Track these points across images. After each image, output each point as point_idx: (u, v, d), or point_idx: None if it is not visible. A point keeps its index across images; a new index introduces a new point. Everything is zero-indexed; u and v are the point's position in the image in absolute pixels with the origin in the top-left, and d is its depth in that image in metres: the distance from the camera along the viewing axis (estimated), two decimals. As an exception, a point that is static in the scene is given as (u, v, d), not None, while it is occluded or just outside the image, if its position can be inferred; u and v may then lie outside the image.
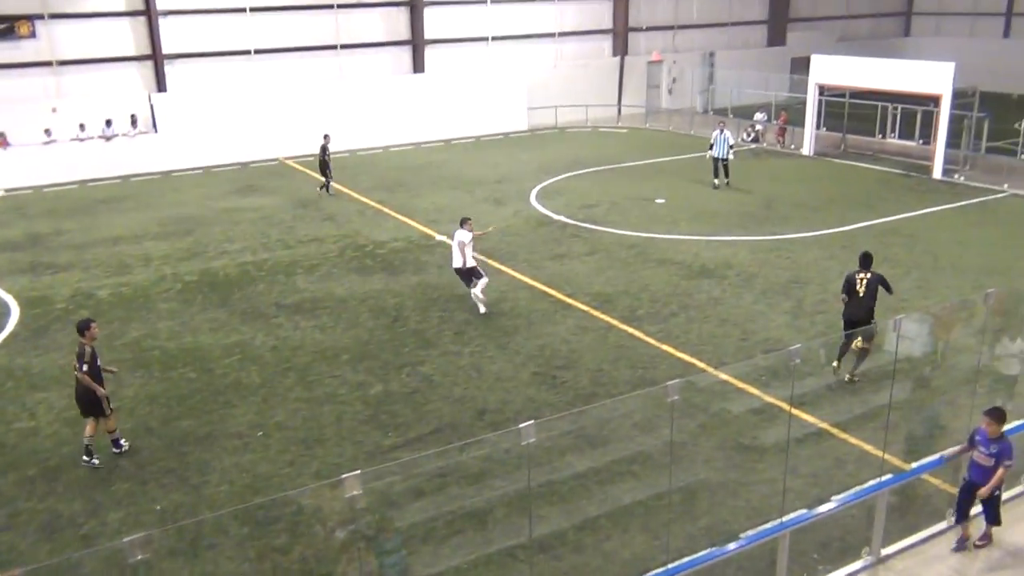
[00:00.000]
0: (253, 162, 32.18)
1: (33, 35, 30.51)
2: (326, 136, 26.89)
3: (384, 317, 16.15)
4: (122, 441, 11.68)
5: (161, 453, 11.50)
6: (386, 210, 24.39)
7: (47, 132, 30.08)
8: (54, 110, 30.56)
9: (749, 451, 11.15)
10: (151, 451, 11.55)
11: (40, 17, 30.44)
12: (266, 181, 28.90)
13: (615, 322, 15.56)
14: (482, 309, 16.15)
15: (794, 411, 11.38)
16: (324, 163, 26.49)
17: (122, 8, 31.73)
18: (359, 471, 7.06)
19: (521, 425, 7.73)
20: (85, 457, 11.24)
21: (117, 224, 23.70)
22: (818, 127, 31.52)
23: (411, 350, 14.61)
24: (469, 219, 16.58)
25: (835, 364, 13.17)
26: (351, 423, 12.18)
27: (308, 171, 30.26)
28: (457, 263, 16.17)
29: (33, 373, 14.16)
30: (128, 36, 32.07)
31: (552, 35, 40.83)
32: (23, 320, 16.59)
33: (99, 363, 11.46)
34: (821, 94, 31.00)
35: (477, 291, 16.13)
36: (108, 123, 30.85)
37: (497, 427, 11.82)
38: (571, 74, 40.83)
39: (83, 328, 11.39)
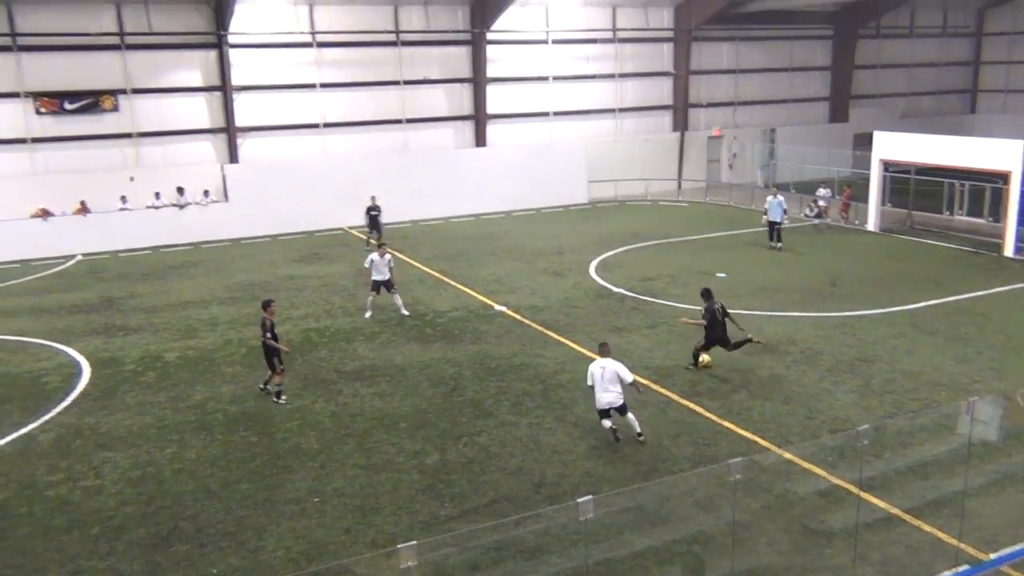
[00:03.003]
0: (318, 231, 33.03)
1: (116, 109, 32.12)
2: (372, 197, 30.03)
3: (442, 386, 16.19)
4: (283, 398, 15.56)
5: (220, 516, 11.57)
6: (446, 280, 24.68)
7: (124, 199, 31.40)
8: (132, 179, 31.95)
9: (815, 535, 10.76)
10: (211, 513, 11.64)
11: (123, 92, 32.07)
12: (330, 250, 29.57)
13: (675, 397, 15.34)
14: (405, 311, 21.02)
15: (863, 494, 10.99)
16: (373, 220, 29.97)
17: (199, 84, 33.27)
18: (415, 541, 7.01)
19: (580, 500, 7.62)
20: (275, 398, 15.57)
21: (187, 289, 24.41)
22: (883, 203, 31.12)
23: (468, 420, 14.58)
24: (385, 244, 22.26)
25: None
26: (408, 492, 12.13)
27: (372, 241, 30.89)
28: (382, 277, 20.91)
29: (100, 432, 14.48)
30: (204, 110, 33.53)
31: (612, 111, 41.45)
32: (94, 380, 17.07)
33: (275, 332, 15.49)
34: (886, 170, 30.71)
35: (397, 298, 21.15)
36: (181, 191, 32.08)
37: (554, 501, 11.64)
38: (631, 148, 41.25)
39: (266, 305, 15.55)
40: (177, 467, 13.09)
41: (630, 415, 13.47)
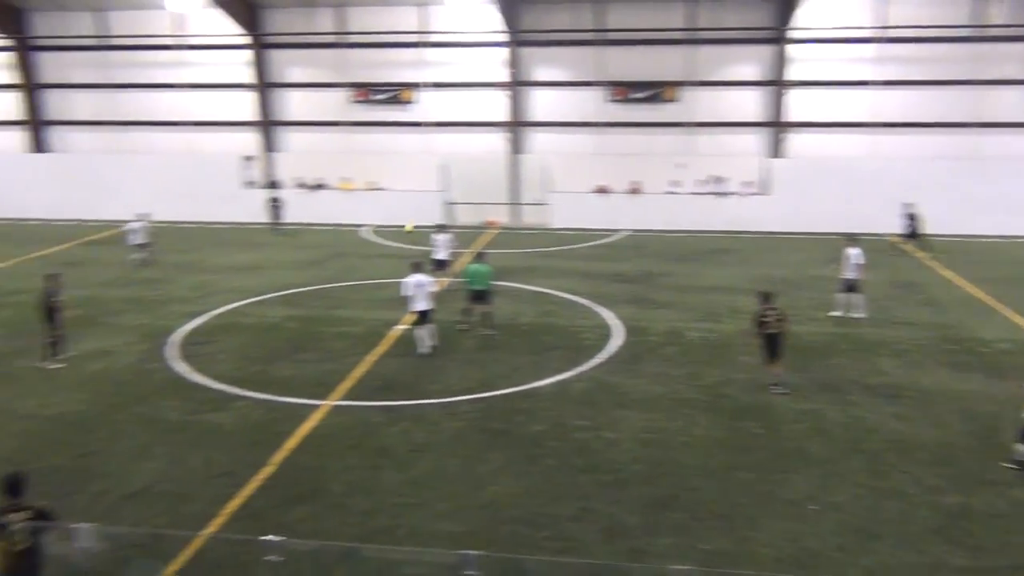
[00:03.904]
0: (859, 235, 31.46)
1: (676, 99, 34.34)
2: (909, 204, 28.76)
3: (975, 423, 14.35)
4: (780, 388, 15.57)
5: (716, 496, 11.85)
6: (998, 306, 21.73)
7: (674, 184, 33.67)
8: (681, 165, 34.04)
9: None
10: (708, 491, 11.98)
11: (685, 84, 34.15)
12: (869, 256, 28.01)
13: None
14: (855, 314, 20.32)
15: None
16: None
17: (755, 78, 33.88)
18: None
19: None
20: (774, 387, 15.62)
21: (715, 275, 25.30)
22: None
23: (1002, 468, 12.72)
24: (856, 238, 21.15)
25: None
26: (916, 527, 11.05)
27: (917, 252, 28.56)
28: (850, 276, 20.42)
29: (622, 392, 15.82)
30: (755, 104, 34.10)
31: None
32: (624, 344, 18.70)
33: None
34: None
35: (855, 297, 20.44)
36: (722, 181, 33.30)
37: (1106, 589, 9.62)
38: None
39: (766, 297, 15.83)
40: (684, 440, 13.71)
41: None
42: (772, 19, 33.03)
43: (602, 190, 34.26)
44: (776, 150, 34.05)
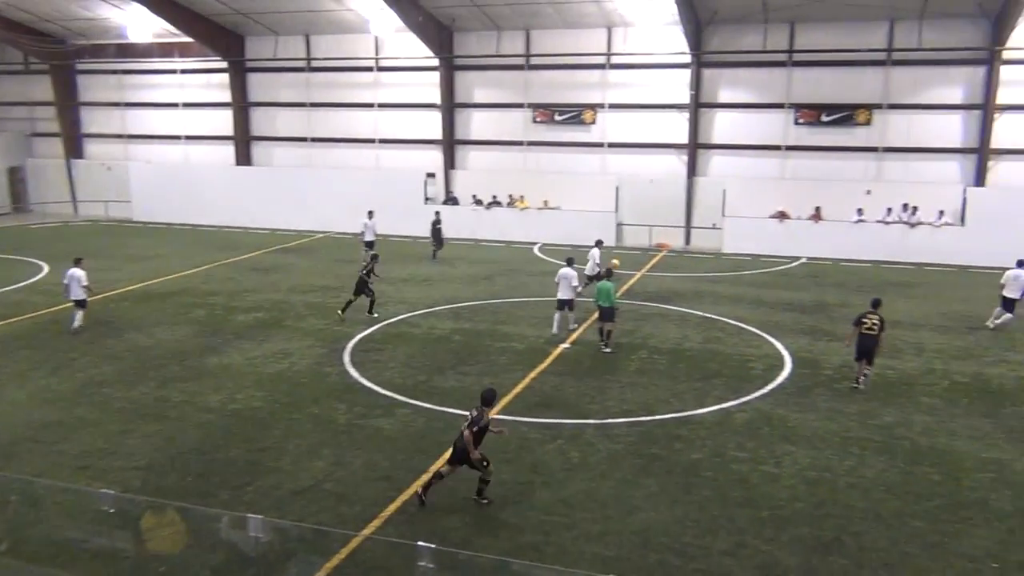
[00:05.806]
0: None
1: (868, 123, 32.64)
2: None
3: None
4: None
5: (884, 544, 11.04)
6: None
7: (860, 212, 31.98)
8: (868, 192, 32.31)
9: None
10: (875, 537, 11.18)
11: (879, 106, 32.43)
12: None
13: None
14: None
15: None
16: None
17: (957, 102, 31.68)
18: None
19: None
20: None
21: (899, 309, 23.67)
22: None
23: None
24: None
25: None
26: (1119, 601, 9.89)
27: None
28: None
29: (788, 426, 15.13)
30: (956, 129, 31.93)
31: None
32: (793, 376, 17.90)
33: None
34: None
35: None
36: (911, 209, 31.31)
37: None
38: None
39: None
40: (851, 481, 12.94)
41: None
42: (984, 39, 30.72)
43: (781, 216, 33.04)
44: (976, 178, 31.61)
